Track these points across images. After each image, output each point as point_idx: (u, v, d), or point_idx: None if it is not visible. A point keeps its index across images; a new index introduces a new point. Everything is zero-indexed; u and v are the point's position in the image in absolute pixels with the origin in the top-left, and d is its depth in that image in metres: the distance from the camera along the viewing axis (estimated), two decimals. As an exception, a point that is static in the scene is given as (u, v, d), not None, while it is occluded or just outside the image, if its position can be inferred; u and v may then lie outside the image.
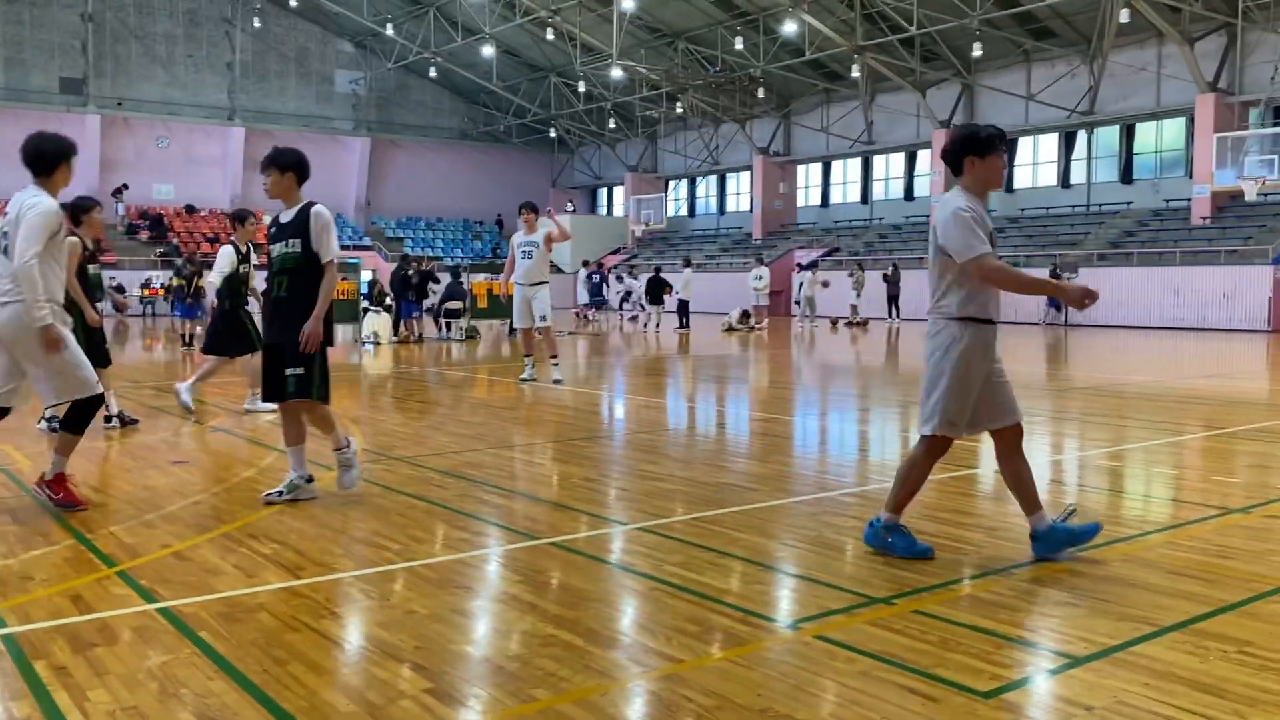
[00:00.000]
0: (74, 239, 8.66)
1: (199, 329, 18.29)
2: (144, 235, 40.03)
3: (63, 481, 5.80)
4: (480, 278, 29.13)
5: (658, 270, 29.57)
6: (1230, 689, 3.29)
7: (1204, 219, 29.83)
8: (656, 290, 28.00)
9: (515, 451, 8.23)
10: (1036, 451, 8.47)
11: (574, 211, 49.62)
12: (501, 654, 3.69)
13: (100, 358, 8.74)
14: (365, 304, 24.98)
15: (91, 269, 8.92)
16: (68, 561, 4.82)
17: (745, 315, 27.74)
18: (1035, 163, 36.25)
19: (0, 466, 7.23)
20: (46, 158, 5.66)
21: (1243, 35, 28.81)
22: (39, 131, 5.86)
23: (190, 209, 43.12)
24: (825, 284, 29.90)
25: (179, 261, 28.04)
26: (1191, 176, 30.36)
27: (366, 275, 31.18)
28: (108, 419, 8.97)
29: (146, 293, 33.04)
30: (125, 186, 41.33)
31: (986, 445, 8.89)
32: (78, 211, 8.90)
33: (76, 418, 5.85)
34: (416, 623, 3.98)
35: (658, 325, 27.20)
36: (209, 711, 3.14)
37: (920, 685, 3.32)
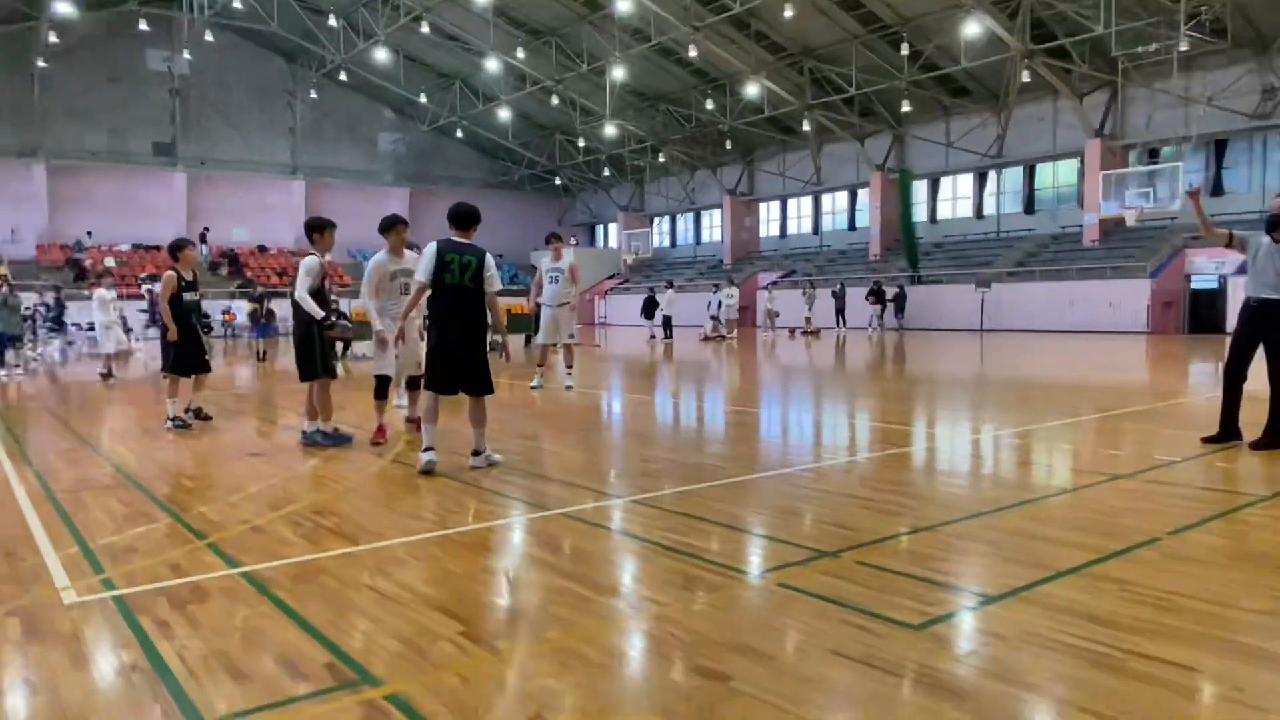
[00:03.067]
0: (170, 272, 8.70)
1: (266, 348, 18.38)
2: (224, 271, 39.91)
3: (383, 430, 7.62)
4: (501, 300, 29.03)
5: (651, 290, 29.69)
6: (1116, 620, 3.33)
7: (1093, 242, 29.96)
8: (650, 307, 28.30)
9: (532, 440, 8.23)
10: (960, 433, 8.53)
11: (576, 244, 49.60)
12: (522, 602, 3.71)
13: (200, 366, 8.85)
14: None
15: (188, 296, 8.85)
16: (166, 536, 4.83)
17: (716, 323, 28.02)
18: (954, 198, 36.36)
19: (111, 463, 7.23)
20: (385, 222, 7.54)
21: (1123, 91, 28.94)
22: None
23: (262, 249, 43.02)
24: (775, 314, 30.04)
25: (255, 292, 27.99)
26: (1083, 207, 30.47)
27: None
28: (198, 412, 9.05)
29: (226, 317, 32.97)
30: (208, 230, 41.26)
31: (919, 429, 8.95)
32: (174, 250, 8.92)
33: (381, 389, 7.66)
34: (453, 580, 4.00)
35: (652, 336, 27.28)
36: (284, 655, 3.16)
37: (864, 621, 3.35)
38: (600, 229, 54.05)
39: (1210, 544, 4.33)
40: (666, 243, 49.48)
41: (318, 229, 7.51)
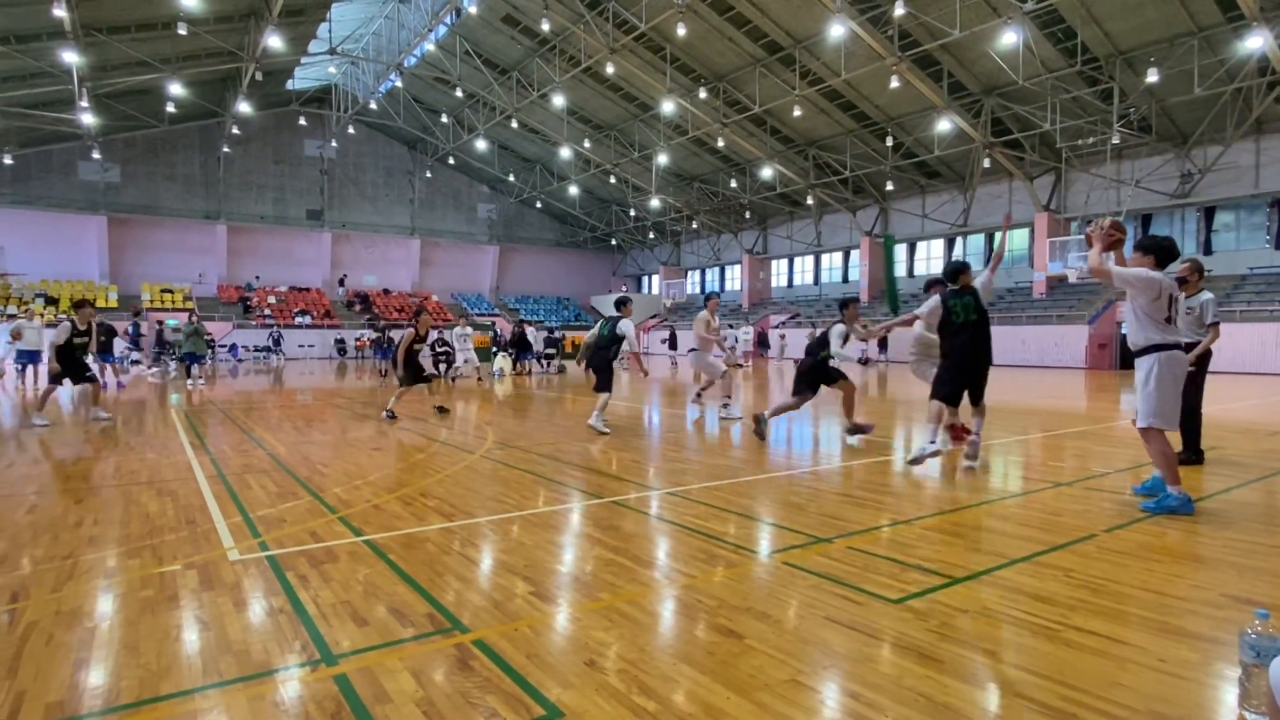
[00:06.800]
0: (411, 329, 9.32)
1: (387, 366, 18.75)
2: (357, 309, 40.80)
3: (956, 429, 6.90)
4: (568, 333, 29.24)
5: (672, 327, 30.03)
6: (1057, 599, 3.23)
7: (1042, 294, 29.30)
8: (674, 340, 28.56)
9: (589, 443, 8.25)
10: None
11: (626, 290, 49.81)
12: (579, 570, 3.70)
13: (425, 380, 9.46)
14: (495, 349, 25.21)
15: (416, 346, 9.51)
16: (307, 510, 4.92)
17: (733, 353, 28.06)
18: (929, 258, 35.79)
19: (268, 452, 7.38)
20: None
21: (1066, 174, 28.41)
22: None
23: (386, 291, 43.90)
24: (768, 345, 30.98)
25: (379, 324, 28.54)
26: (1033, 266, 29.83)
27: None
28: (441, 408, 9.84)
29: (358, 344, 33.61)
30: (345, 276, 42.27)
31: (900, 440, 8.79)
32: (416, 314, 9.64)
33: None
34: (525, 550, 4.01)
35: (675, 364, 27.25)
36: (394, 605, 3.20)
37: (851, 595, 3.29)
38: (646, 279, 54.13)
39: (1137, 540, 4.18)
40: (697, 290, 49.35)
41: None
